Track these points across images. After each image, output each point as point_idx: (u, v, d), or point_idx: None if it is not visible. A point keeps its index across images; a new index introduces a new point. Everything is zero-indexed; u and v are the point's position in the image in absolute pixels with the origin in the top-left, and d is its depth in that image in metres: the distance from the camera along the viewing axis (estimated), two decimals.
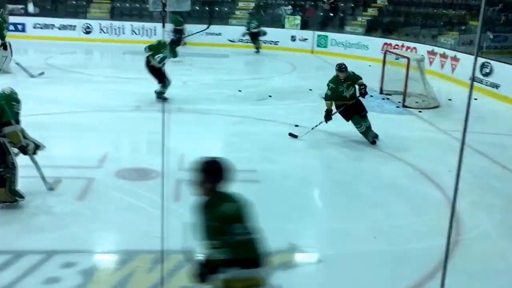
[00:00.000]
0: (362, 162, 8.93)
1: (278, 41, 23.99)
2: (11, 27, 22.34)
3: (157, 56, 12.01)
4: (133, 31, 23.92)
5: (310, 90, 14.92)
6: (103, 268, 5.40)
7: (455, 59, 17.19)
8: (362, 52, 21.97)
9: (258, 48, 22.80)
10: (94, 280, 5.07)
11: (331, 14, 26.08)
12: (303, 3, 26.94)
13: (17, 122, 6.57)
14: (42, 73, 14.88)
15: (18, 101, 6.62)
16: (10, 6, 23.79)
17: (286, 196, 7.36)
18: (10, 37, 22.76)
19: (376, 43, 21.48)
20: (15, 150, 6.54)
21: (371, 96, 14.41)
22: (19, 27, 23.55)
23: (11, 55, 15.19)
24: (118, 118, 11.00)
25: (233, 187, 7.55)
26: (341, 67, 10.02)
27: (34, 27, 23.88)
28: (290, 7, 26.07)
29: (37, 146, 6.80)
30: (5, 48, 14.98)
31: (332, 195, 7.63)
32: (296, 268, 5.59)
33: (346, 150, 9.55)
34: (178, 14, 22.96)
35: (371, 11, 25.73)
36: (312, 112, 12.39)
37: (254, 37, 22.93)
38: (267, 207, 6.89)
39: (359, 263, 5.65)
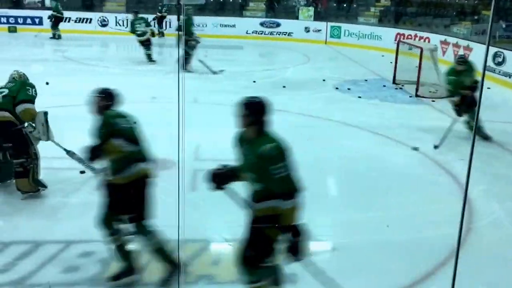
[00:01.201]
0: (375, 151, 8.95)
1: (292, 33, 24.07)
2: (28, 20, 22.74)
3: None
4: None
5: (324, 80, 14.99)
6: None
7: (468, 48, 17.13)
8: (375, 42, 21.99)
9: (162, 33, 23.71)
10: (112, 269, 5.13)
11: (345, 5, 26.10)
12: None
13: (33, 103, 6.57)
14: (222, 70, 15.27)
15: (32, 86, 6.68)
16: (27, 0, 24.14)
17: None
18: (26, 30, 23.18)
19: (389, 33, 21.48)
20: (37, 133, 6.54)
21: (384, 86, 14.46)
22: (36, 20, 23.89)
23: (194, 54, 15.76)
24: (134, 109, 11.02)
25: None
26: None
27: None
28: None
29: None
30: (186, 43, 15.53)
31: (345, 185, 7.68)
32: (310, 257, 5.64)
33: (358, 139, 9.60)
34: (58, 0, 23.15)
35: (384, 2, 25.69)
36: (326, 103, 12.46)
37: (161, 21, 24.05)
38: None
39: (372, 252, 5.69)
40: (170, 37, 22.82)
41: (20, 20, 24.03)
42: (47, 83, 11.77)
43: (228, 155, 8.46)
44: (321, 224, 6.42)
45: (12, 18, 23.63)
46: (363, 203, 6.92)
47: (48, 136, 6.57)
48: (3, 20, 23.35)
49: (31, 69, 14.39)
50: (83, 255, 5.35)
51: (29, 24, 23.60)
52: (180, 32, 16.59)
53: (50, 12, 22.14)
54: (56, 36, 22.14)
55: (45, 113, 6.56)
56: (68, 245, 5.49)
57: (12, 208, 6.37)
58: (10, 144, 6.43)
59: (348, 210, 6.74)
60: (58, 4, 22.94)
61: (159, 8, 24.25)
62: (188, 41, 15.43)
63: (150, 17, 22.88)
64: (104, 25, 24.36)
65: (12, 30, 23.23)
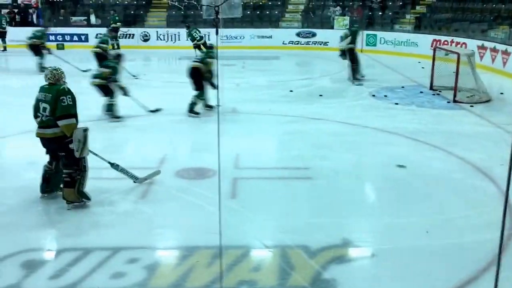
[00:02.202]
0: (414, 157, 8.92)
1: (328, 42, 24.14)
2: (75, 38, 23.69)
3: None
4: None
5: (360, 87, 15.02)
6: (165, 264, 5.60)
7: (506, 52, 16.96)
8: (412, 49, 21.94)
9: (115, 46, 23.38)
10: (157, 275, 5.28)
11: (380, 13, 26.06)
12: (351, 3, 27.02)
13: (72, 116, 6.56)
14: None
15: (66, 93, 6.53)
16: (73, 18, 25.00)
17: (338, 192, 7.47)
18: (73, 47, 24.05)
19: (425, 40, 21.41)
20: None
21: (421, 92, 14.41)
22: (82, 37, 25.27)
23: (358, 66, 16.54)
24: (176, 120, 11.37)
25: (287, 184, 7.72)
26: None
27: (96, 37, 24.86)
28: (338, 8, 26.21)
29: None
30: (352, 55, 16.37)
31: (384, 190, 7.68)
32: (350, 262, 5.65)
33: (396, 146, 9.60)
34: None
35: (420, 9, 25.59)
36: (362, 110, 12.50)
37: (116, 32, 24.12)
38: (320, 203, 7.07)
39: (412, 257, 5.66)
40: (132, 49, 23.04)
41: (67, 38, 25.44)
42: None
43: (267, 162, 8.65)
44: (360, 230, 6.45)
45: (59, 36, 24.66)
46: (402, 208, 6.88)
47: (81, 152, 6.52)
48: (52, 38, 24.16)
49: (81, 84, 14.81)
50: (130, 261, 5.46)
51: (75, 41, 24.65)
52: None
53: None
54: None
55: (85, 130, 6.54)
56: (116, 252, 5.62)
57: (62, 217, 6.57)
58: (63, 153, 6.63)
59: (387, 216, 6.69)
60: (2, 18, 23.94)
61: (115, 18, 24.75)
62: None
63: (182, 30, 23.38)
64: (146, 40, 25.04)
65: (60, 47, 24.05)
